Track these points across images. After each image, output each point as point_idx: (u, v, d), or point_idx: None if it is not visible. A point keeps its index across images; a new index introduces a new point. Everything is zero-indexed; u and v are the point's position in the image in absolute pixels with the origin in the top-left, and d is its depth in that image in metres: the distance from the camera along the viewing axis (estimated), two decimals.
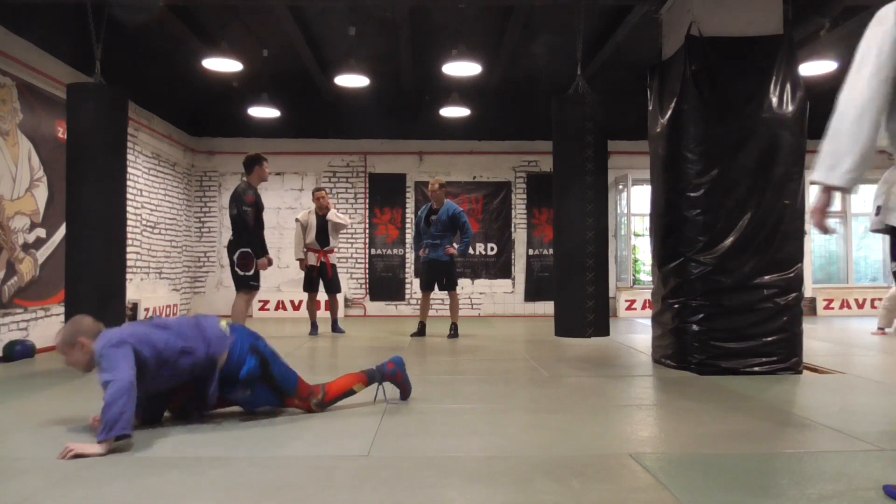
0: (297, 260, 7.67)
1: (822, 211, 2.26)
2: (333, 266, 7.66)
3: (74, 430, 3.26)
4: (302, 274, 7.73)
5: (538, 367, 5.30)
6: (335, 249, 7.78)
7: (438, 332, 7.57)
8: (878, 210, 5.27)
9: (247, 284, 6.02)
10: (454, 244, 7.31)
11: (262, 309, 10.38)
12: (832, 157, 2.17)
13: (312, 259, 7.55)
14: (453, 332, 7.37)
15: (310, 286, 7.59)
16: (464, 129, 10.36)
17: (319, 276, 7.57)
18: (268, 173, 6.29)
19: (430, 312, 7.97)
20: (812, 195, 2.25)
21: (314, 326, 7.63)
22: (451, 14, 7.02)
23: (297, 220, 7.72)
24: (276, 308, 10.40)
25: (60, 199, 5.87)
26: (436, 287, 7.48)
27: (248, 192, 5.98)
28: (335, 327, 7.77)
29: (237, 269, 5.98)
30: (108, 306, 5.17)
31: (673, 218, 5.17)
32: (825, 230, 2.31)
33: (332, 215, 7.64)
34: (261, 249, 6.04)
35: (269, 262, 6.18)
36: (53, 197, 6.42)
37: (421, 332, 7.45)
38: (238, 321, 5.97)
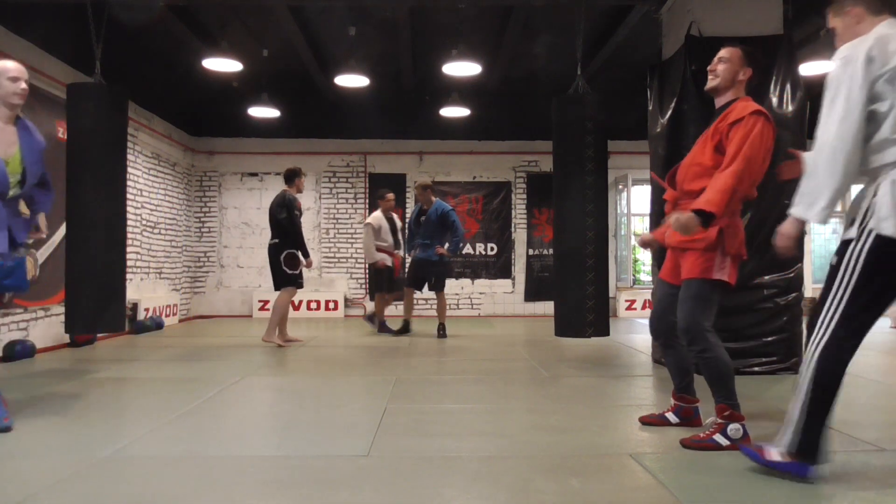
0: (374, 262, 7.67)
1: (794, 238, 2.46)
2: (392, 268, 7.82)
3: (75, 429, 3.26)
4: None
5: (538, 367, 5.30)
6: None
7: (440, 332, 7.59)
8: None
9: (294, 282, 6.58)
10: (446, 244, 7.40)
11: (262, 309, 10.38)
12: (811, 195, 2.33)
13: (390, 260, 7.68)
14: (442, 333, 7.44)
15: (389, 286, 7.75)
16: (464, 129, 10.35)
17: (389, 275, 7.74)
18: (304, 185, 6.98)
19: (430, 312, 8.01)
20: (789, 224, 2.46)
21: (381, 323, 7.83)
22: (451, 14, 7.01)
23: (368, 224, 7.72)
24: None
25: (60, 199, 5.85)
26: (424, 287, 7.61)
27: (296, 199, 6.60)
28: (384, 326, 7.87)
29: (285, 268, 6.49)
30: (108, 306, 5.17)
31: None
32: (788, 252, 2.52)
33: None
34: (307, 251, 6.66)
35: (310, 264, 6.80)
36: None
37: (405, 329, 7.53)
38: (278, 315, 6.62)
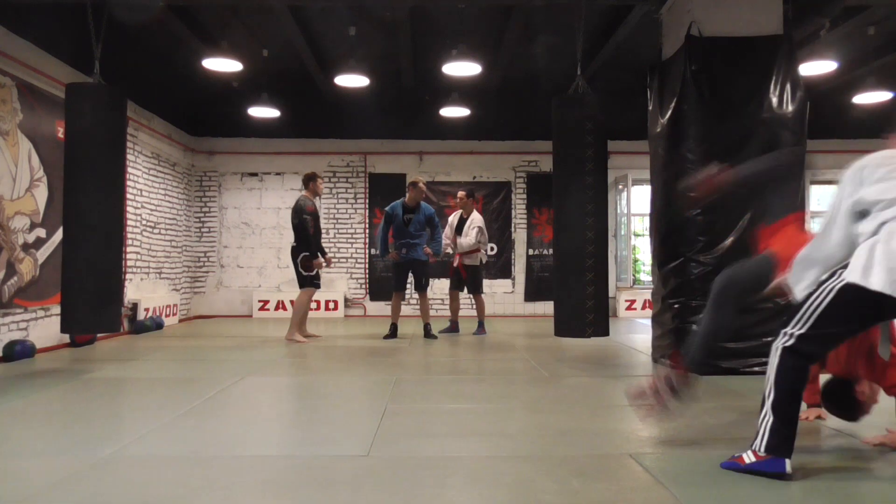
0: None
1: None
2: (466, 267, 7.66)
3: (75, 429, 3.26)
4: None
5: (538, 367, 5.30)
6: (479, 250, 7.66)
7: (449, 332, 7.58)
8: None
9: (311, 283, 6.98)
10: (430, 245, 7.35)
11: (262, 309, 10.38)
12: (796, 277, 2.73)
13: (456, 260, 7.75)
14: (430, 333, 7.31)
15: (451, 284, 7.88)
16: (464, 129, 10.34)
17: (455, 275, 7.75)
18: (322, 188, 7.30)
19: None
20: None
21: (454, 324, 7.87)
22: (451, 14, 7.01)
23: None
24: (276, 308, 10.39)
25: (60, 199, 5.87)
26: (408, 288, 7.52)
27: (308, 203, 6.96)
28: (481, 327, 7.86)
29: (301, 270, 6.91)
30: (104, 307, 5.17)
31: (673, 218, 5.17)
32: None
33: (477, 220, 7.70)
34: (319, 252, 7.02)
35: (328, 263, 7.18)
36: (53, 197, 6.41)
37: (393, 333, 7.33)
38: (298, 314, 7.02)
